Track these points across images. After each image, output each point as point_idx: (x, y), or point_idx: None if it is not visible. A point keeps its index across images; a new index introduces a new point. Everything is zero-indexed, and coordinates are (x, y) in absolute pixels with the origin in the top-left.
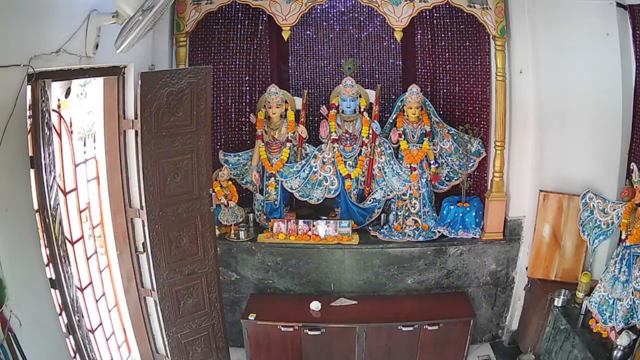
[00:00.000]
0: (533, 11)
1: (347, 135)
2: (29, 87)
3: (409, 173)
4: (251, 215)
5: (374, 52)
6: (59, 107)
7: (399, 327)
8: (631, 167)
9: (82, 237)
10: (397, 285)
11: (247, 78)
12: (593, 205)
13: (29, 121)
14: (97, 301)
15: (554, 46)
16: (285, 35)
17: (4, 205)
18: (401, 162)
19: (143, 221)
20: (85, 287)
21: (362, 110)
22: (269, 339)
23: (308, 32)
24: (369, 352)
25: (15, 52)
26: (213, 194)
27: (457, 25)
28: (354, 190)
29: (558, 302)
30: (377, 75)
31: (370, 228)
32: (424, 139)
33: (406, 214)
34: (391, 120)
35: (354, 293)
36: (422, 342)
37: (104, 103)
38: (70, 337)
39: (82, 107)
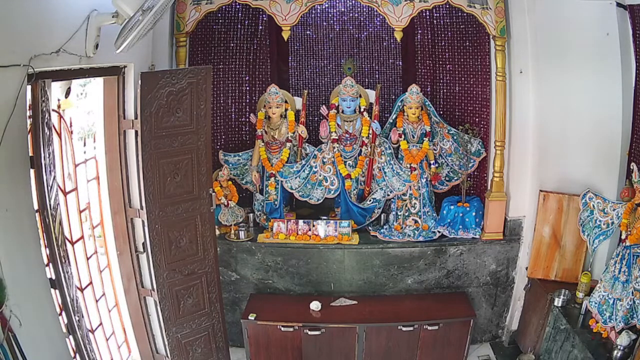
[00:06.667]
0: (533, 11)
1: (347, 135)
2: (29, 87)
3: (409, 173)
4: (251, 215)
5: (374, 52)
6: (59, 107)
7: (399, 327)
8: (631, 167)
9: (82, 237)
10: (397, 285)
11: (247, 78)
12: (593, 205)
13: (29, 121)
14: (97, 301)
15: (553, 46)
16: (285, 35)
17: (4, 205)
18: (401, 162)
19: (143, 221)
20: (85, 287)
21: (362, 110)
22: (269, 339)
23: (308, 32)
24: (369, 352)
25: (15, 52)
26: (213, 194)
27: (457, 25)
28: (354, 190)
29: (558, 302)
30: (377, 75)
31: (370, 228)
32: (424, 139)
33: (406, 214)
34: (391, 120)
35: (354, 293)
36: (422, 342)
37: (104, 103)
38: (70, 337)
39: (82, 107)
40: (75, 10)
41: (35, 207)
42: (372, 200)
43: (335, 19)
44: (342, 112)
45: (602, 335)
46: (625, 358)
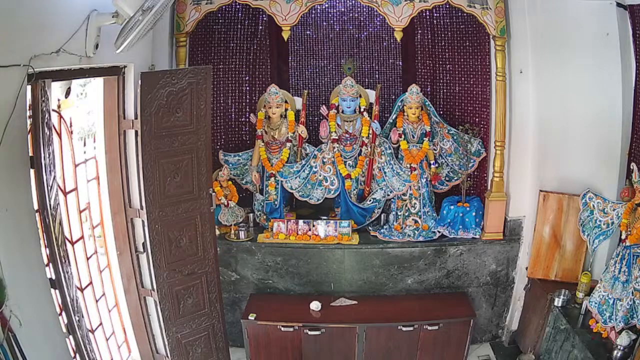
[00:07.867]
0: (533, 11)
1: (347, 135)
2: (29, 87)
3: (409, 173)
4: (251, 215)
5: (374, 52)
6: (59, 107)
7: (399, 327)
8: (631, 167)
9: (82, 237)
10: (397, 285)
11: (247, 78)
12: (593, 205)
13: (29, 121)
14: (97, 301)
15: (553, 46)
16: (285, 35)
17: (4, 205)
18: (401, 162)
19: (143, 221)
20: (85, 287)
21: (362, 110)
22: (269, 339)
23: (308, 32)
24: (369, 352)
25: (15, 52)
26: (213, 194)
27: (457, 25)
28: (354, 190)
29: (558, 302)
30: (377, 75)
31: (370, 228)
32: (424, 139)
33: (406, 214)
34: (391, 120)
35: (354, 293)
36: (422, 342)
37: (104, 103)
38: (70, 337)
39: (82, 107)
40: (75, 10)
41: (35, 207)
42: (372, 200)
43: (335, 19)
44: (342, 112)
45: (602, 335)
46: (625, 358)
